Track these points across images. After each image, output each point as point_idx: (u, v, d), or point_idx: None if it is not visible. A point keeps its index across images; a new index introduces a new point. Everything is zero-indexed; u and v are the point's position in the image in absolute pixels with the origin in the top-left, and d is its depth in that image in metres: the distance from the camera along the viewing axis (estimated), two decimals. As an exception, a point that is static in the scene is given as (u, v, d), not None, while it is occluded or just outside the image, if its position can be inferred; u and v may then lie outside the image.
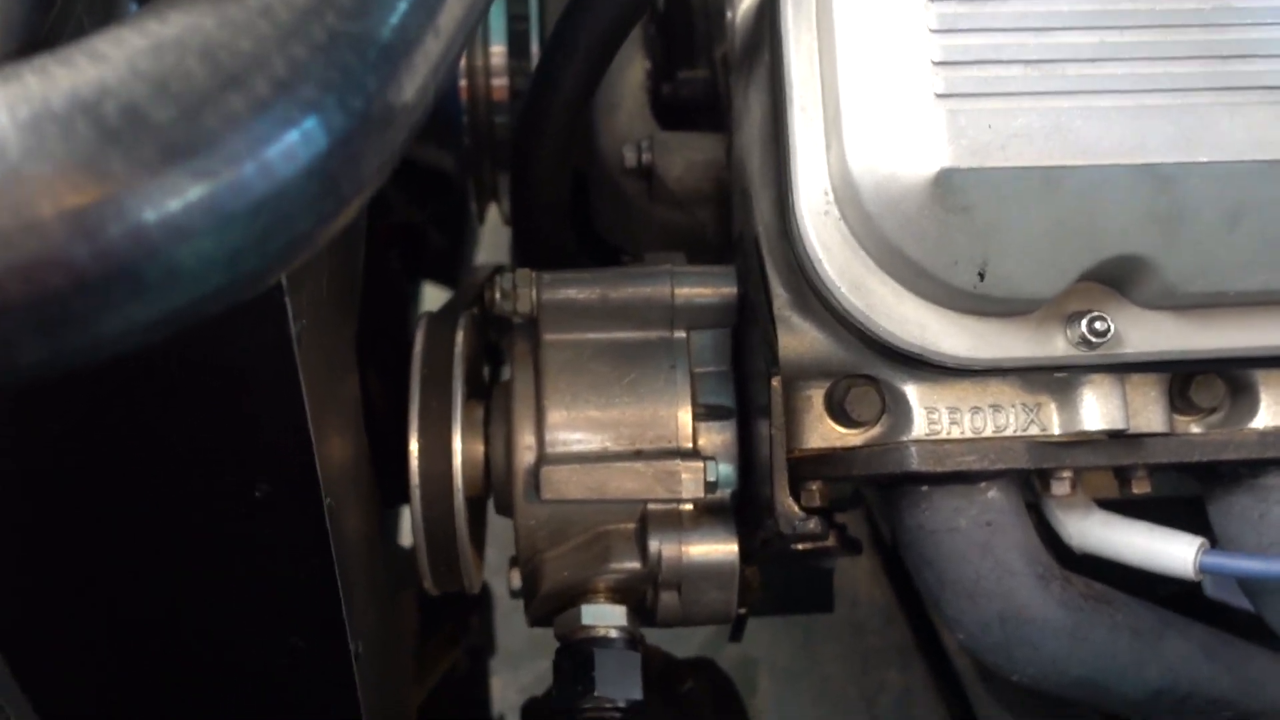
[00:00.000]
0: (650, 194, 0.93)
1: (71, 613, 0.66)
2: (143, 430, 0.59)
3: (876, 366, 0.74)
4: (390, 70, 0.40)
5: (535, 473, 0.76)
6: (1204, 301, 0.70)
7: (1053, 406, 0.74)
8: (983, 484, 0.75)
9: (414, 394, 0.78)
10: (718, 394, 0.79)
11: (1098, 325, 0.69)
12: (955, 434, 0.74)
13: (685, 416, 0.77)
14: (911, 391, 0.74)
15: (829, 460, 0.75)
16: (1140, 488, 0.76)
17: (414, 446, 0.77)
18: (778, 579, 0.92)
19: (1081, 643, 0.76)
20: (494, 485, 0.81)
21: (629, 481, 0.76)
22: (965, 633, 0.77)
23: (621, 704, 0.74)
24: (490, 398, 0.83)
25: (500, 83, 1.06)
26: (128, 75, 0.35)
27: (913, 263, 0.67)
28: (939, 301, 0.69)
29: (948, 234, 0.66)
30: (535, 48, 1.06)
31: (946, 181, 0.65)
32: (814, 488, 0.75)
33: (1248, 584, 0.79)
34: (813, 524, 0.71)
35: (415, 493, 0.77)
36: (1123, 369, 0.72)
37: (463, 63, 1.05)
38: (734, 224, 0.87)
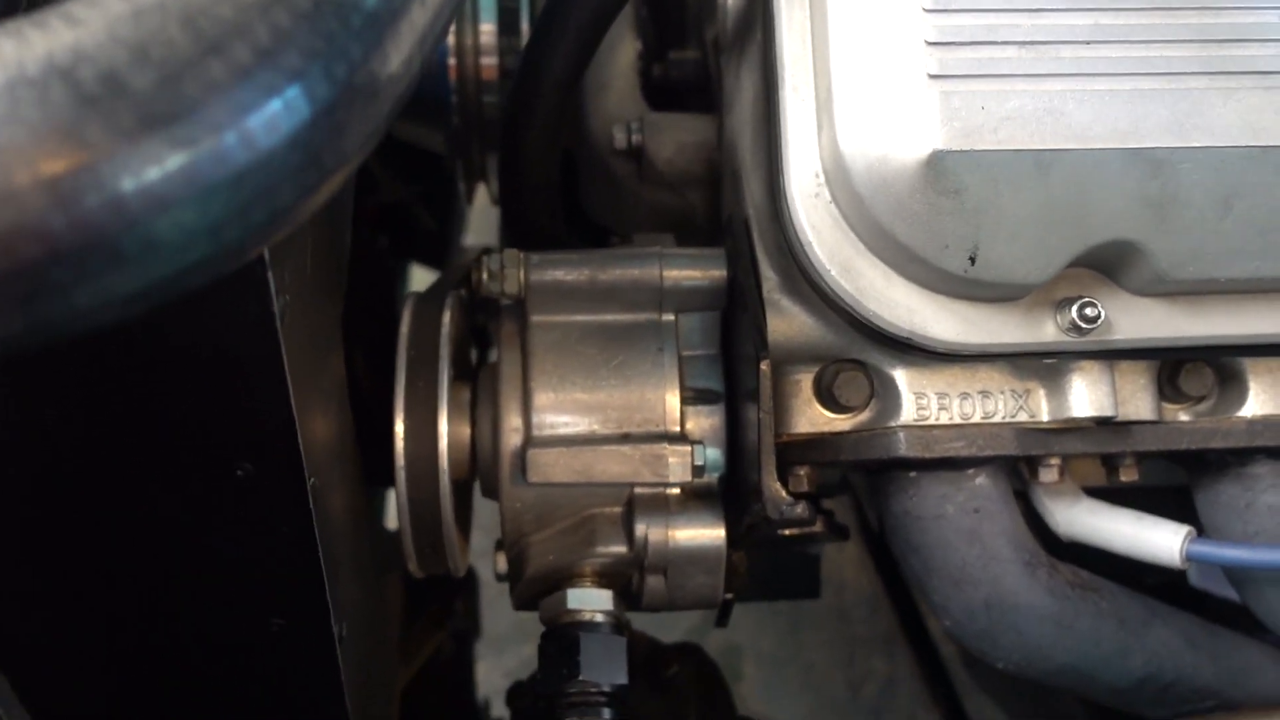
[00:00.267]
0: (640, 175, 0.93)
1: (50, 592, 0.66)
2: (122, 407, 0.58)
3: (866, 351, 0.74)
4: (376, 39, 0.39)
5: (522, 455, 0.76)
6: (1194, 288, 0.70)
7: (1041, 393, 0.74)
8: (971, 470, 0.75)
9: (400, 375, 0.77)
10: (706, 378, 0.79)
11: (1088, 311, 0.68)
12: (944, 419, 0.73)
13: (673, 400, 0.77)
14: (900, 376, 0.74)
15: (817, 445, 0.75)
16: (1128, 476, 0.76)
17: (400, 427, 0.76)
18: (765, 565, 0.92)
19: (1067, 630, 0.76)
20: (480, 467, 0.81)
21: (616, 465, 0.75)
22: (951, 619, 0.77)
23: (606, 688, 0.74)
24: (477, 379, 0.82)
25: (490, 61, 1.05)
26: (106, 40, 0.34)
27: (903, 246, 0.67)
28: (929, 286, 0.69)
29: (939, 217, 0.65)
30: (525, 26, 1.05)
31: (938, 164, 0.64)
32: (802, 473, 0.74)
33: (1233, 573, 0.79)
34: (800, 509, 0.71)
35: (401, 474, 0.76)
36: (1112, 356, 0.72)
37: (452, 41, 1.04)
38: (724, 206, 0.86)
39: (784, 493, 0.71)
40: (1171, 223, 0.66)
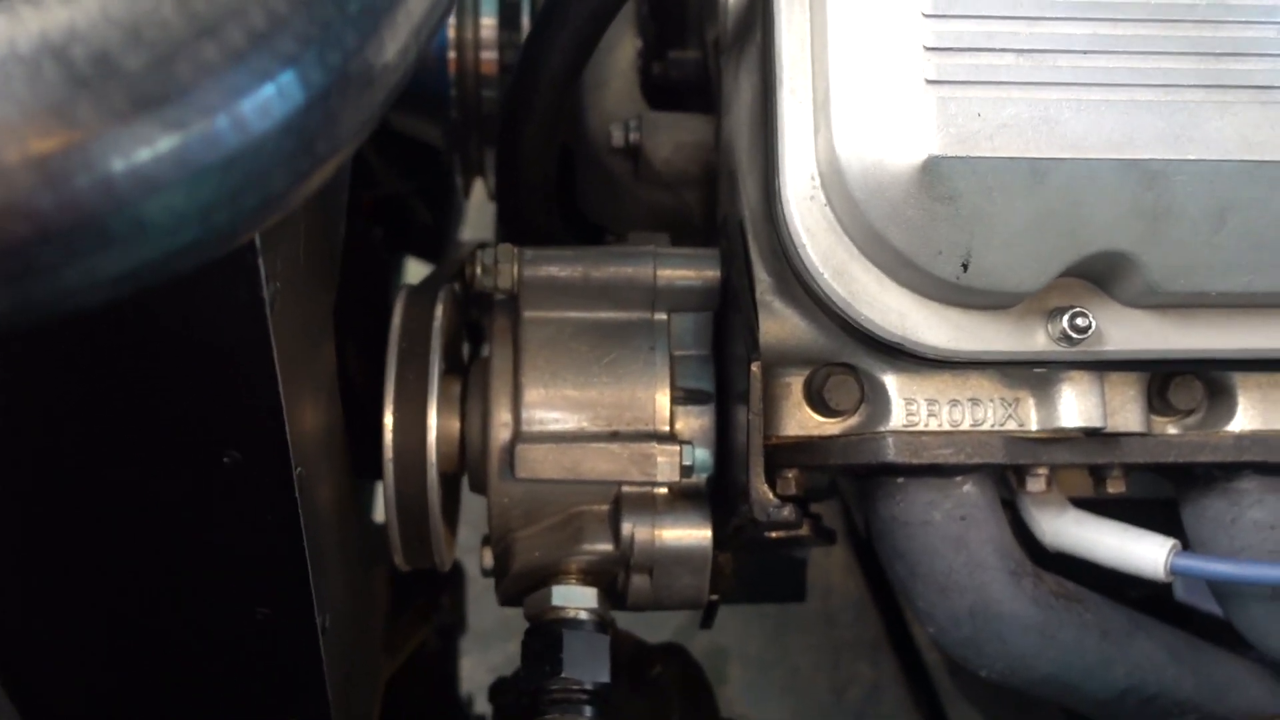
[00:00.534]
0: (637, 174, 0.92)
1: (33, 578, 0.65)
2: (110, 391, 0.58)
3: (857, 355, 0.74)
4: (371, 27, 0.39)
5: (511, 450, 0.75)
6: (1186, 301, 0.70)
7: (1031, 402, 0.74)
8: (958, 478, 0.75)
9: (391, 367, 0.77)
10: (697, 378, 0.79)
11: (1079, 321, 0.68)
12: (933, 426, 0.73)
13: (663, 399, 0.77)
14: (891, 382, 0.74)
15: (806, 448, 0.75)
16: (1115, 487, 0.76)
17: (389, 420, 0.76)
18: (751, 567, 0.91)
19: (1050, 640, 0.76)
20: (469, 462, 0.81)
21: (604, 463, 0.75)
22: (935, 626, 0.77)
23: (589, 686, 0.74)
24: (468, 374, 0.82)
25: (490, 56, 1.05)
26: (99, 19, 0.34)
27: (897, 251, 0.67)
28: (922, 291, 0.69)
29: (933, 223, 0.65)
30: (526, 21, 1.05)
31: (933, 169, 0.64)
32: (790, 475, 0.74)
33: (1218, 587, 0.79)
34: (787, 511, 0.71)
35: (389, 466, 0.76)
36: (1102, 367, 0.72)
37: (452, 35, 1.04)
38: (719, 207, 0.86)
39: (771, 495, 0.71)
40: (1165, 235, 0.66)
